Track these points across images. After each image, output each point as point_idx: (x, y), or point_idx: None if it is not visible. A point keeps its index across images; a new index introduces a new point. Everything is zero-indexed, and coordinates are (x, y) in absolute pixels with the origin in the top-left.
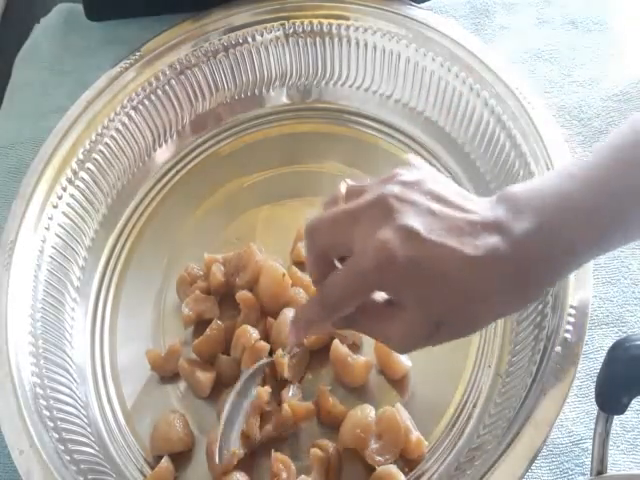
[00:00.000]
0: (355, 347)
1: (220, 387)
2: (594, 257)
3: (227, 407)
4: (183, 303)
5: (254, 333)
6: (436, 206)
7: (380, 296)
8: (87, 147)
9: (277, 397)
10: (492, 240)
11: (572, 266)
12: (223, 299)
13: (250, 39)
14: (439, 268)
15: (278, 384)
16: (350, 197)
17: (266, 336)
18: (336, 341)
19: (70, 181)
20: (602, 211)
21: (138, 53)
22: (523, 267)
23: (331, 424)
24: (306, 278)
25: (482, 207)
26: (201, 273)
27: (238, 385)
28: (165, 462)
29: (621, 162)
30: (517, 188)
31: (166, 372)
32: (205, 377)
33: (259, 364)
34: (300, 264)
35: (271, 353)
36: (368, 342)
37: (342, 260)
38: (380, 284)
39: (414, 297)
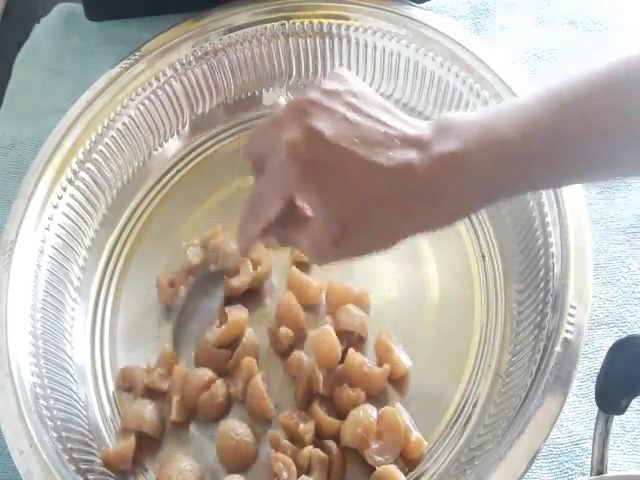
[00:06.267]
0: (361, 339)
1: None
2: (525, 192)
3: None
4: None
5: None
6: (352, 115)
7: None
8: (87, 147)
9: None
10: (408, 154)
11: (495, 196)
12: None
13: (250, 39)
14: (340, 171)
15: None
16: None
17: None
18: (351, 350)
19: (70, 181)
20: (528, 149)
21: (138, 53)
22: (434, 185)
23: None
24: (306, 278)
25: (409, 126)
26: None
27: None
28: (132, 438)
29: (557, 103)
30: (453, 114)
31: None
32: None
33: None
34: (300, 264)
35: None
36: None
37: None
38: (288, 184)
39: (317, 199)
